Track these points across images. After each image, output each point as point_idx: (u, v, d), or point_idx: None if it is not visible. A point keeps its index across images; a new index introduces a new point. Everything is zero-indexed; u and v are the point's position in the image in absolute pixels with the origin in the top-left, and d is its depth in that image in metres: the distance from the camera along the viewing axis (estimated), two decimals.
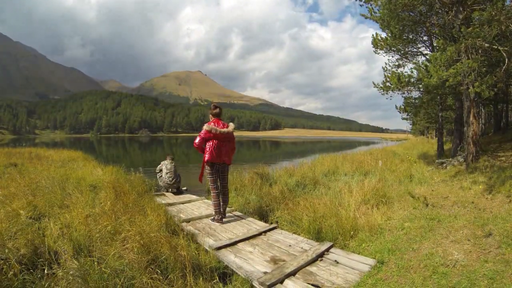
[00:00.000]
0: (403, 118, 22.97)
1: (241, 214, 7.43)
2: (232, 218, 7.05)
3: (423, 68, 13.02)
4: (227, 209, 7.56)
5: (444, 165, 11.46)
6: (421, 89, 14.36)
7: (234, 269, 4.37)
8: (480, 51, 9.28)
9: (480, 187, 7.10)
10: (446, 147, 17.13)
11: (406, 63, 15.21)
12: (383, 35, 14.12)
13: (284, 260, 4.55)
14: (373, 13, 13.51)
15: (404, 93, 14.77)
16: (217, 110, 6.77)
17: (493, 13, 8.47)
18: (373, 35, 14.07)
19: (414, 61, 14.98)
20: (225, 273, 4.42)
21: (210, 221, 6.72)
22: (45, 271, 3.58)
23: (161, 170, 10.48)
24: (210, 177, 6.59)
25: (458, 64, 9.32)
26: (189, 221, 6.68)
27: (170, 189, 10.32)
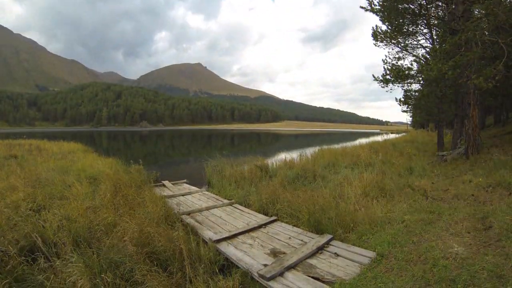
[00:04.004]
0: (403, 111, 22.96)
1: (241, 206, 7.44)
2: (232, 211, 7.06)
3: (423, 60, 12.94)
4: (228, 201, 7.55)
5: (444, 157, 11.43)
6: (421, 82, 14.31)
7: (234, 262, 4.38)
8: (479, 44, 9.21)
9: (481, 179, 7.09)
10: (446, 139, 17.06)
11: (406, 56, 15.12)
12: (383, 27, 14.02)
13: (284, 253, 4.56)
14: (373, 5, 13.38)
15: (404, 85, 14.74)
16: None
17: (491, 6, 8.40)
18: (373, 27, 13.97)
19: (414, 53, 14.89)
20: (225, 265, 4.43)
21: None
22: (45, 263, 3.59)
23: None
24: None
25: (457, 57, 9.26)
26: (189, 214, 6.69)
27: None
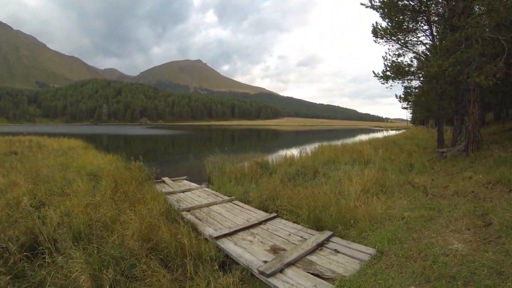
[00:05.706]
0: (403, 108, 22.93)
1: (241, 203, 7.44)
2: (232, 207, 7.06)
3: (423, 57, 12.89)
4: (228, 198, 7.54)
5: (444, 154, 11.44)
6: (421, 78, 14.27)
7: (234, 258, 4.39)
8: (480, 41, 9.18)
9: (480, 176, 7.09)
10: (446, 136, 17.04)
11: (407, 53, 15.04)
12: (383, 24, 13.95)
13: (284, 249, 4.56)
14: (373, 2, 13.30)
15: (404, 82, 14.70)
16: None
17: (492, 3, 8.37)
18: (373, 24, 13.89)
19: (414, 50, 14.83)
20: (225, 262, 4.44)
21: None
22: (46, 259, 3.59)
23: None
24: None
25: (457, 53, 9.23)
26: (189, 210, 6.69)
27: None
